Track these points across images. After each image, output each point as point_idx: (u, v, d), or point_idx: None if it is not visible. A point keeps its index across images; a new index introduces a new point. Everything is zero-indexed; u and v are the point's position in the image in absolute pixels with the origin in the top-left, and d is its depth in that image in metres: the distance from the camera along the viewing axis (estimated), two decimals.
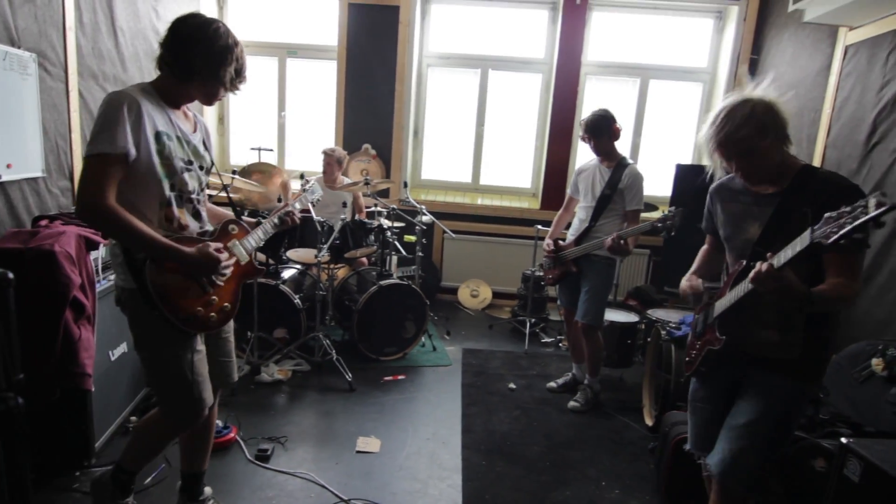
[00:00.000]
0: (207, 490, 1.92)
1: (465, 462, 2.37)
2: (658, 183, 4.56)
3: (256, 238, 1.81)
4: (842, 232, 1.11)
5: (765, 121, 1.38)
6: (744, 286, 1.44)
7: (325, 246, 3.08)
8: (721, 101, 1.48)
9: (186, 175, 1.60)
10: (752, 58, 4.41)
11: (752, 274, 1.32)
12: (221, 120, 5.00)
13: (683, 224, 4.23)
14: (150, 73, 3.29)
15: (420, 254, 3.79)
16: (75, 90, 2.68)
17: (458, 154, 5.03)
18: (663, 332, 2.86)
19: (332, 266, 3.49)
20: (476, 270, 4.85)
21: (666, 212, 2.70)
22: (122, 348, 2.40)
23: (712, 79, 4.68)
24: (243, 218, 1.85)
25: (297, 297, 3.17)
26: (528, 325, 4.00)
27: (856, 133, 3.08)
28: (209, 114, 4.79)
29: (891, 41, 2.91)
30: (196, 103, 1.67)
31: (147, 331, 1.58)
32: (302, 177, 3.67)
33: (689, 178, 4.14)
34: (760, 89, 1.45)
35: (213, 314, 1.62)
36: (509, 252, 4.78)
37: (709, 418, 1.67)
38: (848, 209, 1.12)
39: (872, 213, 1.07)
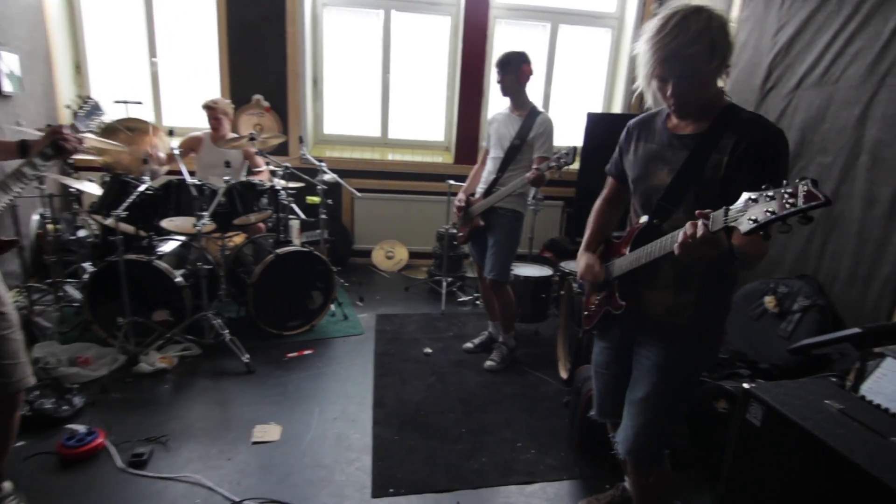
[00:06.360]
0: (6, 485, 1.65)
1: (375, 440, 2.21)
2: (569, 132, 4.50)
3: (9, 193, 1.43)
4: (762, 222, 0.94)
5: (717, 39, 1.15)
6: (652, 249, 1.29)
7: (207, 213, 2.68)
8: (666, 7, 1.20)
9: None
10: (657, 3, 4.37)
11: (681, 238, 1.09)
12: (78, 68, 4.22)
13: (595, 174, 4.18)
14: None
15: (324, 216, 3.47)
16: None
17: (364, 106, 4.64)
18: (575, 286, 2.82)
19: (222, 235, 3.10)
20: (390, 230, 4.60)
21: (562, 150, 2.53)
22: None
23: (620, 24, 4.61)
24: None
25: (178, 272, 2.76)
26: (444, 284, 3.86)
27: (752, 78, 3.12)
28: (62, 61, 4.00)
29: None
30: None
31: None
32: (171, 133, 3.19)
33: (600, 127, 4.10)
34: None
35: None
36: (424, 210, 4.56)
37: (610, 383, 1.60)
38: (771, 194, 0.94)
39: (801, 206, 0.89)
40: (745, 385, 1.69)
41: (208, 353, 2.81)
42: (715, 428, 2.07)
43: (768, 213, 0.93)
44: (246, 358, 2.70)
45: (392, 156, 4.60)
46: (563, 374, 2.83)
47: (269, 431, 2.20)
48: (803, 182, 0.90)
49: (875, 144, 2.40)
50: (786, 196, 0.91)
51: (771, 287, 2.79)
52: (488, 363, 2.92)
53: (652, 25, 1.20)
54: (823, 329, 2.57)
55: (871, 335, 1.89)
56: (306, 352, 2.94)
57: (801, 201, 0.89)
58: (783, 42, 2.91)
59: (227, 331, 2.78)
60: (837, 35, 2.58)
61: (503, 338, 2.99)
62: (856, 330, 1.91)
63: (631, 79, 4.56)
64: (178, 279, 2.74)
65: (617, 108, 4.70)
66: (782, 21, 2.93)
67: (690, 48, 1.14)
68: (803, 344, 2.15)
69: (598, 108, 4.79)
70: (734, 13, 3.34)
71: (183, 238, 3.05)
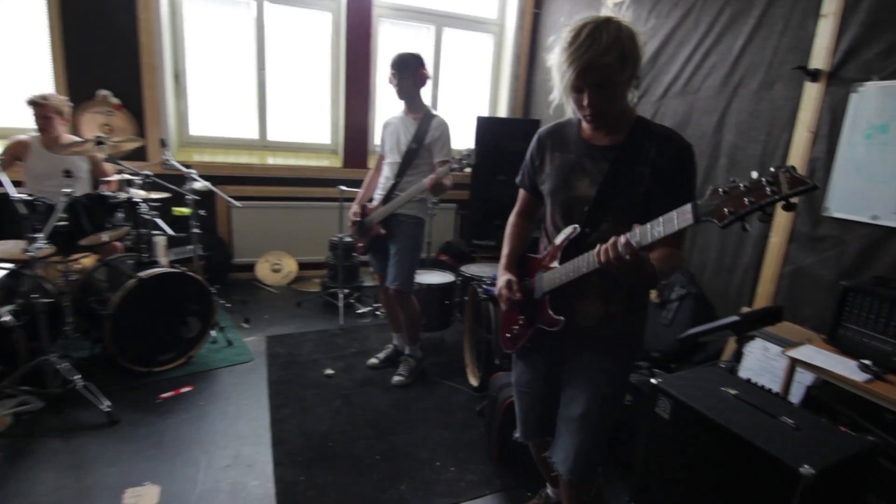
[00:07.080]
0: None
1: (278, 485, 1.95)
2: (459, 136, 4.50)
3: None
4: (742, 212, 0.92)
5: (628, 49, 1.15)
6: (584, 262, 1.25)
7: (42, 234, 2.18)
8: (576, 19, 1.19)
9: None
10: (535, 12, 4.56)
11: (603, 249, 1.13)
12: None
13: (485, 176, 4.24)
14: None
15: (196, 230, 3.04)
16: None
17: (237, 105, 4.20)
18: (480, 291, 2.79)
19: (65, 259, 2.56)
20: (275, 241, 4.23)
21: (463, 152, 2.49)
22: None
23: (501, 31, 4.74)
24: None
25: (5, 309, 2.21)
26: (341, 296, 3.62)
27: None
28: None
29: (652, 0, 3.17)
30: None
31: None
32: None
33: (489, 130, 4.16)
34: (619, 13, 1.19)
35: None
36: (313, 217, 4.26)
37: (535, 401, 1.56)
38: (746, 184, 0.93)
39: (786, 192, 0.88)
40: (653, 380, 1.77)
41: (54, 405, 2.29)
42: (622, 421, 2.16)
43: (748, 204, 0.92)
44: (106, 406, 2.24)
45: (273, 160, 4.22)
46: (474, 382, 2.79)
47: (144, 495, 1.83)
48: (783, 169, 0.90)
49: (731, 148, 2.70)
50: (765, 185, 0.91)
51: None
52: (396, 378, 2.78)
53: (564, 37, 1.19)
54: (698, 315, 2.84)
55: (745, 321, 2.10)
56: (184, 389, 2.53)
57: (785, 188, 0.89)
58: (650, 54, 3.17)
59: (78, 375, 2.28)
60: (696, 50, 2.86)
61: (409, 350, 2.86)
62: (734, 318, 2.11)
63: (514, 84, 4.70)
64: (6, 318, 2.19)
65: (502, 112, 4.82)
66: (648, 35, 3.18)
67: (604, 58, 1.14)
68: (690, 333, 2.32)
69: (484, 112, 4.87)
70: None
71: (10, 266, 2.46)
